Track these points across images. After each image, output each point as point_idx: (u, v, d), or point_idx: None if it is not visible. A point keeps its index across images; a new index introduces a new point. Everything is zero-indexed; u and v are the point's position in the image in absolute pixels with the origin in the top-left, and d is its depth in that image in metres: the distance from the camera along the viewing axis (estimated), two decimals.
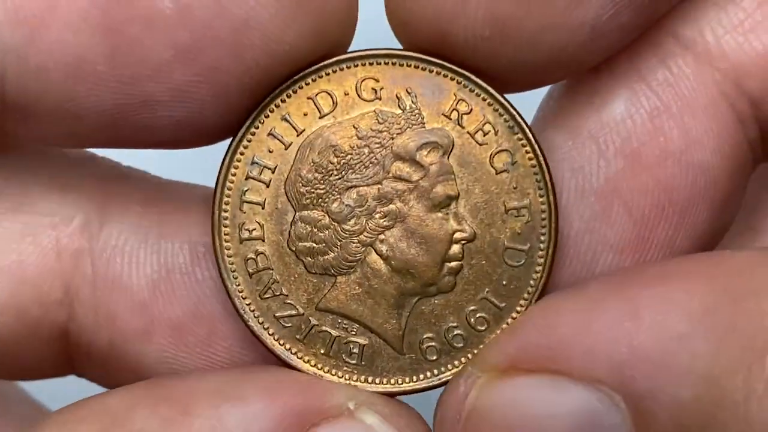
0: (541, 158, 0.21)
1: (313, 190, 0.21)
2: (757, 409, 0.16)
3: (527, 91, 0.22)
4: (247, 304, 0.21)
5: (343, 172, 0.21)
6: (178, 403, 0.19)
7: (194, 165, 0.26)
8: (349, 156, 0.21)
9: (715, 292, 0.17)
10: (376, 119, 0.21)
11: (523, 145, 0.21)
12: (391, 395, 0.21)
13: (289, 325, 0.21)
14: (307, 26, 0.20)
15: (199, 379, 0.20)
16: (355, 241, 0.21)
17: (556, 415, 0.18)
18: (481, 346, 0.21)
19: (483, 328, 0.21)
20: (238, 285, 0.21)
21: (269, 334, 0.21)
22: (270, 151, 0.21)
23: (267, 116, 0.21)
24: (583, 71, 0.22)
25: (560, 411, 0.18)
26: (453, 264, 0.21)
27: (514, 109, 0.21)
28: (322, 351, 0.21)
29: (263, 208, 0.21)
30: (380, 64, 0.21)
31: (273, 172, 0.21)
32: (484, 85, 0.21)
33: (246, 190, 0.21)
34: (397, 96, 0.21)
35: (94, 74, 0.19)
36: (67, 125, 0.20)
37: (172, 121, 0.20)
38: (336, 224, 0.21)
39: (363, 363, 0.21)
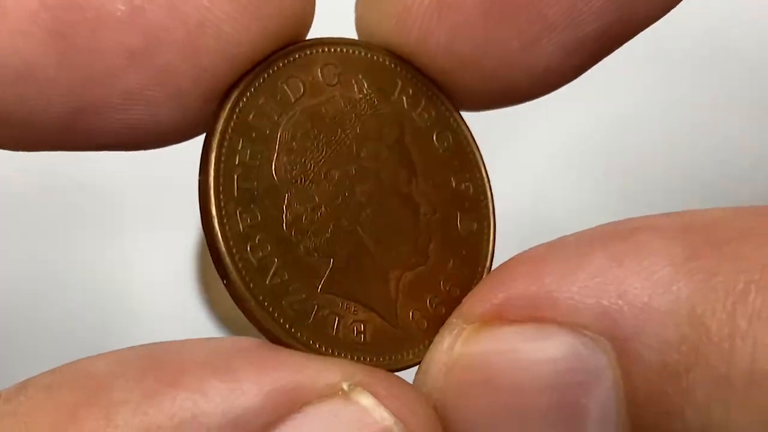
0: (470, 139, 0.23)
1: (300, 173, 0.21)
2: (741, 344, 0.17)
3: (482, 111, 0.23)
4: (257, 293, 0.20)
5: (323, 154, 0.21)
6: (164, 374, 0.18)
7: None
8: (326, 138, 0.22)
9: (695, 240, 0.18)
10: (342, 102, 0.22)
11: (456, 128, 0.23)
12: (397, 371, 0.21)
13: (298, 310, 0.21)
14: (263, 27, 0.20)
15: (189, 349, 0.19)
16: (343, 221, 0.21)
17: (540, 361, 0.18)
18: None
19: (457, 294, 0.22)
20: (247, 273, 0.20)
21: (281, 323, 0.21)
22: (254, 135, 0.21)
23: (246, 100, 0.21)
24: (537, 98, 0.23)
25: (545, 356, 0.18)
26: (423, 237, 0.22)
27: (443, 97, 0.23)
28: (329, 333, 0.21)
29: (257, 193, 0.21)
30: (335, 51, 0.22)
31: (261, 156, 0.21)
32: (419, 75, 0.22)
33: (238, 175, 0.21)
34: (353, 81, 0.22)
35: (44, 79, 0.19)
36: (18, 129, 0.20)
37: (126, 124, 0.20)
38: (324, 205, 0.21)
39: (368, 341, 0.21)
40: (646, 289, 0.18)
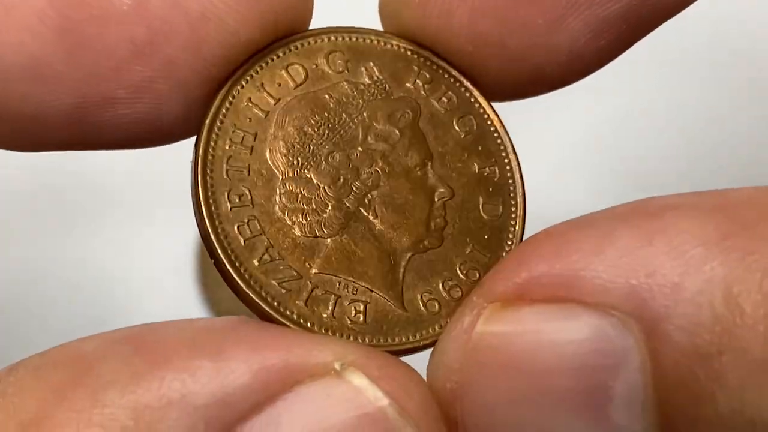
0: (497, 123, 0.22)
1: (297, 155, 0.21)
2: None
3: (510, 101, 0.23)
4: (243, 271, 0.20)
5: (324, 137, 0.21)
6: (152, 355, 0.18)
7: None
8: (327, 122, 0.21)
9: (728, 220, 0.17)
10: (348, 88, 0.22)
11: (482, 112, 0.22)
12: (399, 353, 0.20)
13: (289, 289, 0.20)
14: (263, 18, 0.21)
15: (178, 329, 0.19)
16: (344, 202, 0.21)
17: (565, 342, 0.18)
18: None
19: (476, 277, 0.21)
20: (232, 252, 0.20)
21: (269, 301, 0.20)
22: (249, 120, 0.21)
23: (242, 86, 0.21)
24: (564, 86, 0.22)
25: (570, 338, 0.18)
26: (438, 220, 0.22)
27: (467, 83, 0.23)
28: (325, 314, 0.21)
29: (249, 174, 0.21)
30: (344, 39, 0.22)
31: (254, 139, 0.21)
32: (440, 62, 0.22)
33: (229, 158, 0.21)
34: (363, 68, 0.22)
35: (53, 74, 0.19)
36: (27, 128, 0.20)
37: (132, 119, 0.20)
38: (323, 186, 0.21)
39: (368, 323, 0.21)
40: (678, 269, 0.17)
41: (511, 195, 0.22)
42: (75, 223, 0.46)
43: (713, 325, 0.16)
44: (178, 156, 0.24)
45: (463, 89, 0.22)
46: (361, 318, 0.21)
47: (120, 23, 0.19)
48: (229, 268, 0.20)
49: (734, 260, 0.17)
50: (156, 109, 0.20)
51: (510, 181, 0.22)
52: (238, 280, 0.20)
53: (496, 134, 0.22)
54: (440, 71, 0.22)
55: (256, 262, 0.20)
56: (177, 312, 0.44)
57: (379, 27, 0.23)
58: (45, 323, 0.44)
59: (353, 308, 0.21)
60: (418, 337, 0.21)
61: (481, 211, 0.22)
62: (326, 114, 0.22)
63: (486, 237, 0.22)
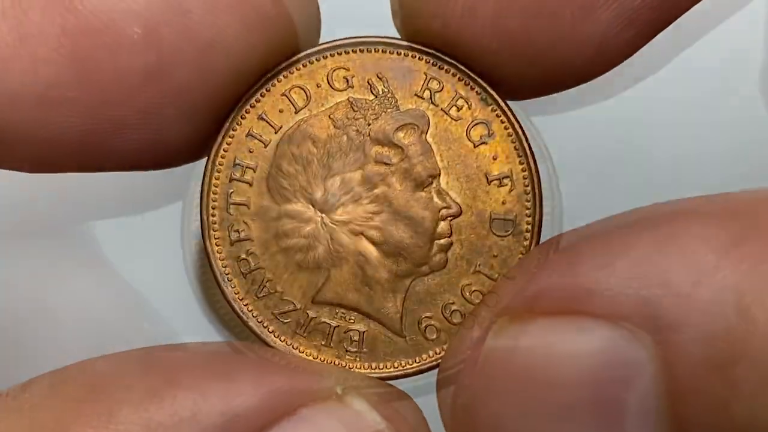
0: (516, 126, 0.22)
1: (294, 182, 0.21)
2: None
3: (532, 98, 0.22)
4: (244, 305, 0.21)
5: (324, 162, 0.21)
6: (165, 375, 0.18)
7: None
8: (328, 145, 0.21)
9: (740, 225, 0.17)
10: (351, 107, 0.22)
11: (498, 116, 0.22)
12: (395, 378, 0.21)
13: (288, 320, 0.21)
14: (271, 43, 0.21)
15: (190, 351, 0.20)
16: (345, 231, 0.21)
17: (578, 355, 0.17)
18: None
19: (479, 301, 0.21)
20: (234, 287, 0.21)
21: (269, 332, 0.21)
22: (250, 152, 0.22)
23: (244, 117, 0.22)
24: (589, 80, 0.22)
25: (582, 350, 0.17)
26: (442, 241, 0.21)
27: (485, 83, 0.22)
28: (323, 342, 0.21)
29: (249, 208, 0.21)
30: (348, 53, 0.22)
31: (255, 171, 0.22)
32: (453, 61, 0.22)
33: (231, 192, 0.21)
34: (368, 82, 0.22)
35: (65, 100, 0.20)
36: (38, 152, 0.21)
37: (141, 143, 0.21)
38: (323, 215, 0.21)
39: (365, 350, 0.21)
40: (690, 278, 0.17)
41: (527, 206, 0.21)
42: (75, 224, 0.46)
43: (726, 335, 0.16)
44: None
45: (477, 92, 0.22)
46: (358, 346, 0.21)
47: (131, 51, 0.20)
48: (233, 303, 0.21)
49: (746, 268, 0.16)
50: (164, 134, 0.21)
51: (526, 190, 0.21)
52: (241, 315, 0.21)
53: (512, 139, 0.22)
54: (453, 76, 0.22)
55: (257, 294, 0.21)
56: (177, 312, 0.44)
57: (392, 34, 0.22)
58: (45, 325, 0.44)
59: (350, 337, 0.21)
60: (416, 362, 0.21)
61: (491, 227, 0.21)
62: (326, 138, 0.21)
63: (495, 255, 0.21)
